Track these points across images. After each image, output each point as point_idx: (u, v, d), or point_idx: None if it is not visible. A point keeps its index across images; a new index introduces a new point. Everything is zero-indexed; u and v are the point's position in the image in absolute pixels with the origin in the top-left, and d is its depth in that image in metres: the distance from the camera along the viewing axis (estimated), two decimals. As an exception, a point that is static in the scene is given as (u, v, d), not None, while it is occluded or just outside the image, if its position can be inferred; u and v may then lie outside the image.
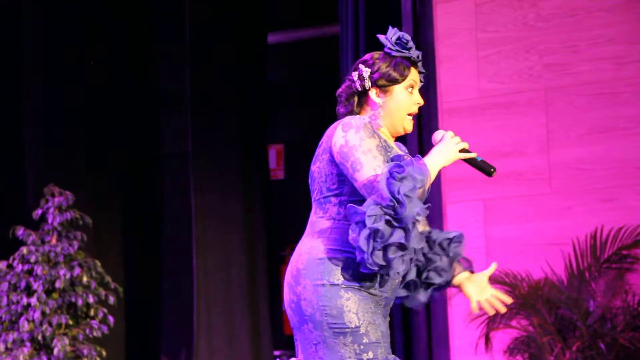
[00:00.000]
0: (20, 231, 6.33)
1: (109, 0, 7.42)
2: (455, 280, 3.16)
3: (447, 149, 2.94)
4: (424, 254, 3.12)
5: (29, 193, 7.14)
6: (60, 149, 7.25)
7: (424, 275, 3.12)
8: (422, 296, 3.14)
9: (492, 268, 3.20)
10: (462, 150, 2.96)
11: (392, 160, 2.82)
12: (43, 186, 6.49)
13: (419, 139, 5.78)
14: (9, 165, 7.35)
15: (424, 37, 5.90)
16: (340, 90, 3.09)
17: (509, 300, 3.17)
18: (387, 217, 2.74)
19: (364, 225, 2.75)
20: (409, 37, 3.06)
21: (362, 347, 2.87)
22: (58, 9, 7.27)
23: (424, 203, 2.84)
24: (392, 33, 3.06)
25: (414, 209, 2.74)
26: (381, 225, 2.73)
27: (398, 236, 2.75)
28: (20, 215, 6.90)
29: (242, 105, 7.32)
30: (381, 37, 3.08)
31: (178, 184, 7.70)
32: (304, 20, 7.93)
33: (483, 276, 3.17)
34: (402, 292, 3.12)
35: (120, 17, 7.48)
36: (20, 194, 7.24)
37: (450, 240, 3.14)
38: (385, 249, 2.76)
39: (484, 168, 2.99)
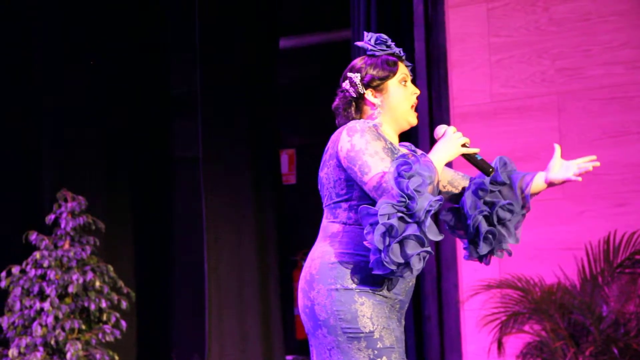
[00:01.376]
0: (33, 236, 6.34)
1: (120, 4, 7.43)
2: (537, 187, 3.15)
3: (449, 144, 2.95)
4: (485, 202, 3.10)
5: (42, 198, 7.16)
6: (73, 154, 7.27)
7: (495, 218, 3.10)
8: (512, 239, 3.13)
9: (557, 150, 3.17)
10: (464, 145, 2.98)
11: (398, 159, 2.82)
12: (56, 191, 6.50)
13: (431, 144, 5.77)
14: (23, 170, 7.37)
15: (436, 41, 5.91)
16: (335, 104, 3.10)
17: (592, 157, 3.15)
18: (400, 214, 2.75)
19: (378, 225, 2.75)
20: (387, 37, 3.10)
21: (376, 352, 2.86)
22: (71, 13, 7.29)
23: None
24: (369, 36, 3.09)
25: (425, 202, 2.75)
26: (395, 222, 2.73)
27: (412, 229, 2.75)
28: (33, 220, 6.92)
29: (254, 109, 7.32)
30: (359, 43, 3.13)
31: (190, 189, 7.71)
32: (315, 25, 7.93)
33: (555, 159, 3.15)
34: (485, 249, 3.11)
35: (133, 21, 7.50)
36: (33, 199, 7.27)
37: (496, 168, 3.11)
38: (402, 245, 2.75)
39: (483, 167, 3.01)
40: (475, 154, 3.00)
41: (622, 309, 5.14)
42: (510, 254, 3.17)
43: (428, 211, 2.75)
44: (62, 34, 7.31)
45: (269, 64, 7.44)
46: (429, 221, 2.76)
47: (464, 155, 2.99)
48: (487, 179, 3.10)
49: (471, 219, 3.09)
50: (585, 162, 3.17)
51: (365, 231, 2.79)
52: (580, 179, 3.14)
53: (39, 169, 7.31)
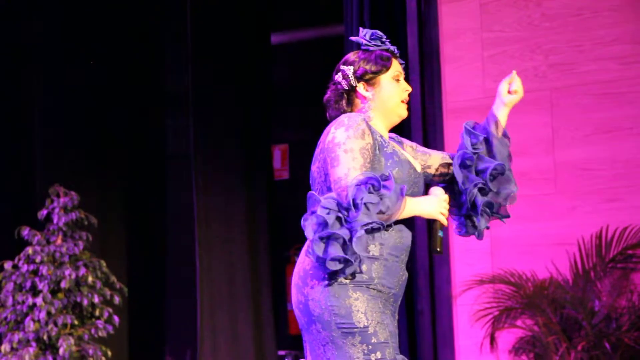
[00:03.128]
0: (25, 231, 6.33)
1: (111, 1, 7.42)
2: (504, 117, 3.18)
3: (432, 205, 2.95)
4: (476, 172, 3.11)
5: (34, 193, 7.15)
6: (65, 150, 7.26)
7: (491, 186, 3.12)
8: (513, 186, 3.15)
9: (511, 76, 3.20)
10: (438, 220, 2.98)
11: (376, 174, 2.82)
12: (48, 186, 6.49)
13: (424, 139, 5.78)
14: (16, 166, 7.36)
15: (429, 37, 5.91)
16: (327, 96, 3.12)
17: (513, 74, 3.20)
18: (339, 215, 2.76)
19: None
20: (382, 33, 3.12)
21: (370, 347, 2.87)
22: (62, 10, 7.28)
23: (385, 227, 2.82)
24: (365, 32, 3.11)
25: (366, 219, 2.75)
26: (331, 219, 2.75)
27: (343, 232, 2.75)
28: (25, 216, 6.91)
29: (246, 105, 7.31)
30: (354, 38, 3.15)
31: (183, 185, 7.70)
32: (308, 20, 7.92)
33: (503, 84, 3.20)
34: (484, 223, 3.13)
35: (123, 18, 7.48)
36: (25, 194, 7.25)
37: (468, 131, 3.14)
38: (327, 243, 2.75)
39: (435, 243, 2.98)
40: (439, 231, 2.99)
41: (614, 304, 5.16)
42: (507, 216, 3.19)
43: (366, 225, 2.74)
44: (52, 31, 7.29)
45: (261, 60, 7.44)
46: (361, 234, 2.74)
47: (432, 223, 2.99)
48: (468, 144, 3.11)
49: (466, 194, 3.10)
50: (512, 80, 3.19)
51: (304, 216, 2.80)
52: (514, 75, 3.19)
53: (31, 164, 7.29)
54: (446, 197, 2.99)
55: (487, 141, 3.14)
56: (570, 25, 5.61)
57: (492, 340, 5.23)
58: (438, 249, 2.99)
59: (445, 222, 2.98)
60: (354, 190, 2.76)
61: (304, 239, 3.05)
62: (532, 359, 5.30)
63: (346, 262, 2.78)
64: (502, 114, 3.18)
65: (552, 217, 5.54)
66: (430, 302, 5.83)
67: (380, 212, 2.78)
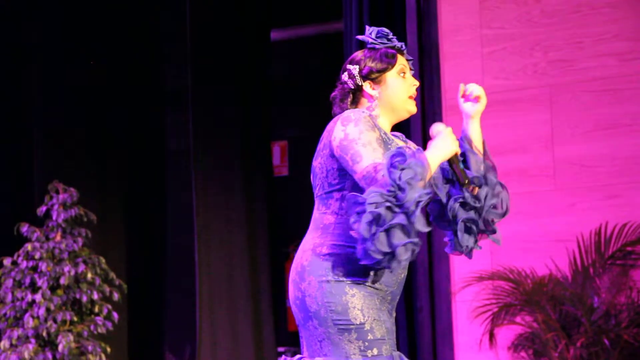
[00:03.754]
0: (24, 228, 6.34)
1: (111, 1, 7.42)
2: (476, 135, 3.08)
3: (446, 144, 2.93)
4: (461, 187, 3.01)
5: (33, 190, 7.15)
6: (64, 146, 7.26)
7: (472, 200, 3.02)
8: (499, 214, 3.05)
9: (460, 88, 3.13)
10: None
11: (393, 151, 2.82)
12: (47, 183, 6.49)
13: (423, 136, 5.78)
14: (15, 162, 7.36)
15: (428, 33, 5.90)
16: (333, 94, 3.12)
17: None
18: (388, 204, 2.73)
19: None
20: (388, 30, 3.10)
21: (366, 343, 2.87)
22: (62, 9, 7.27)
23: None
24: (371, 30, 3.10)
25: (415, 194, 2.73)
26: (382, 211, 2.72)
27: (400, 219, 2.73)
28: (24, 212, 6.91)
29: (245, 102, 7.31)
30: (360, 37, 3.13)
31: (182, 181, 7.71)
32: (307, 17, 7.92)
33: (461, 101, 3.12)
34: (467, 239, 3.01)
35: (123, 15, 7.48)
36: (24, 191, 7.26)
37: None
38: (388, 235, 2.74)
39: (462, 177, 2.96)
40: (459, 160, 2.97)
41: (613, 300, 5.16)
42: (498, 242, 3.10)
43: (418, 202, 2.74)
44: (52, 28, 7.29)
45: (261, 56, 7.43)
46: (418, 212, 2.75)
47: (451, 160, 2.97)
48: (445, 164, 3.02)
49: (448, 209, 3.04)
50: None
51: (352, 220, 2.77)
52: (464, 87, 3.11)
53: (30, 160, 7.29)
54: (449, 128, 2.96)
55: (464, 155, 3.10)
56: (569, 22, 5.61)
57: (491, 336, 5.23)
58: (466, 182, 2.96)
59: (459, 151, 2.95)
60: (388, 175, 2.75)
61: (302, 235, 3.05)
62: (531, 355, 5.30)
63: (414, 245, 2.76)
64: (471, 128, 3.10)
65: (552, 213, 5.54)
66: (430, 299, 5.83)
67: (421, 180, 2.77)
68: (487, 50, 5.77)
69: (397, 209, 2.74)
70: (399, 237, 2.74)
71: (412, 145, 3.17)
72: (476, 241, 3.06)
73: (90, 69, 7.32)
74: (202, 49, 7.20)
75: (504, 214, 3.08)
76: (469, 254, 3.08)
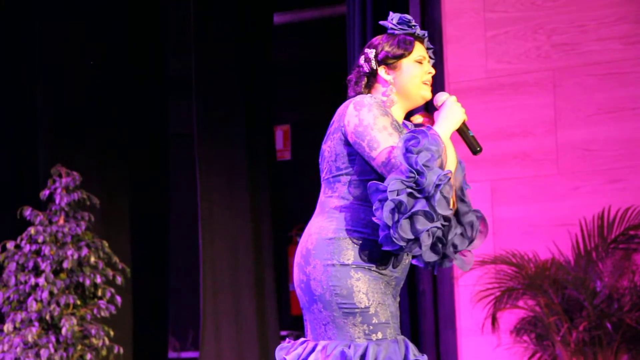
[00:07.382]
0: (27, 211, 6.34)
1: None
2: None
3: (453, 114, 2.94)
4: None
5: (37, 173, 7.15)
6: (68, 130, 7.25)
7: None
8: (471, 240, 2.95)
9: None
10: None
11: (406, 134, 2.81)
12: (51, 167, 6.49)
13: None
14: (18, 146, 7.36)
15: (431, 17, 5.88)
16: (350, 76, 3.12)
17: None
18: (409, 190, 2.74)
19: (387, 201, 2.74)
20: (411, 17, 3.09)
21: (371, 327, 2.87)
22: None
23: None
24: (392, 16, 3.09)
25: (434, 177, 2.75)
26: (404, 198, 2.73)
27: (421, 205, 2.74)
28: (27, 196, 6.91)
29: (248, 86, 7.30)
30: (383, 22, 3.12)
31: (185, 165, 7.71)
32: (310, 1, 7.90)
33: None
34: (428, 255, 2.84)
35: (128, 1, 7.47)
36: (28, 174, 7.25)
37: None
38: (412, 221, 2.75)
39: (473, 144, 2.97)
40: (469, 131, 2.99)
41: (615, 284, 5.16)
42: (464, 268, 3.01)
43: (437, 185, 2.75)
44: (57, 12, 7.27)
45: (263, 40, 7.41)
46: (438, 195, 2.75)
47: (460, 129, 2.98)
48: None
49: None
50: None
51: (374, 207, 2.78)
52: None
53: (33, 144, 7.29)
54: (453, 96, 2.97)
55: None
56: (573, 5, 5.59)
57: (494, 320, 5.24)
58: (479, 149, 2.95)
59: (466, 118, 2.95)
60: (405, 160, 2.76)
61: (305, 219, 3.05)
62: (534, 339, 5.31)
63: (437, 229, 2.77)
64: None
65: (554, 197, 5.54)
66: (432, 283, 5.84)
67: (438, 159, 2.77)
68: (490, 33, 5.75)
69: (418, 194, 2.75)
70: (422, 223, 2.75)
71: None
72: (443, 260, 2.94)
73: (94, 52, 7.29)
74: (204, 33, 7.19)
75: (471, 241, 2.98)
76: (433, 269, 3.01)
